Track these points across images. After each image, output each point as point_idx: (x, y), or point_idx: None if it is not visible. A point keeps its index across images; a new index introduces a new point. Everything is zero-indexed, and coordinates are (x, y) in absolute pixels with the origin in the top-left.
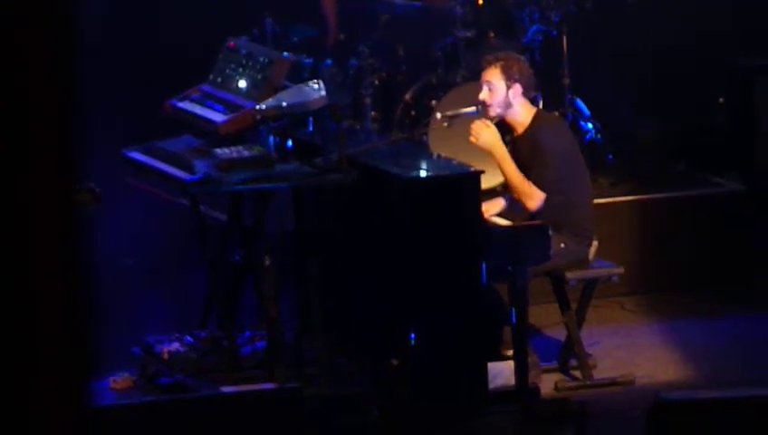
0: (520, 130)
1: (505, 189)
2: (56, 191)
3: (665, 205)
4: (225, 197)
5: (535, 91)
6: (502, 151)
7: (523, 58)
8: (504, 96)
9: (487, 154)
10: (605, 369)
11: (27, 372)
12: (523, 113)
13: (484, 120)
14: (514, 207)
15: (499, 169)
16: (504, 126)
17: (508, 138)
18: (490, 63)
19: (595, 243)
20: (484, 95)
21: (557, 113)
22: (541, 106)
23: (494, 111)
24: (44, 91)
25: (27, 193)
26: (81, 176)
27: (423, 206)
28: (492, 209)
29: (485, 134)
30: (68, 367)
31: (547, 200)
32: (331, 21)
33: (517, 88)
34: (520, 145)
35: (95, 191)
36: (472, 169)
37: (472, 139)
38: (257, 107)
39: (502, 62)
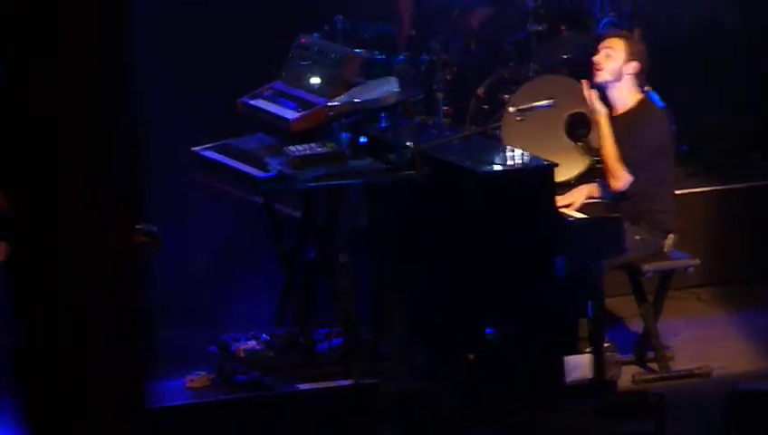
0: (621, 110)
1: (580, 182)
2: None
3: (740, 195)
4: (299, 194)
5: (645, 81)
6: (606, 124)
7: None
8: (620, 66)
9: (564, 145)
10: (682, 360)
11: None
12: (628, 93)
13: (594, 93)
14: (605, 192)
15: (600, 140)
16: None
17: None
18: (618, 35)
19: (672, 235)
20: (599, 58)
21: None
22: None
23: (604, 76)
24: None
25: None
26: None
27: (497, 200)
28: (578, 197)
29: (600, 103)
30: (122, 368)
31: (631, 186)
32: (405, 17)
33: (634, 65)
34: (617, 124)
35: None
36: (546, 162)
37: (586, 98)
38: (329, 104)
39: (628, 39)
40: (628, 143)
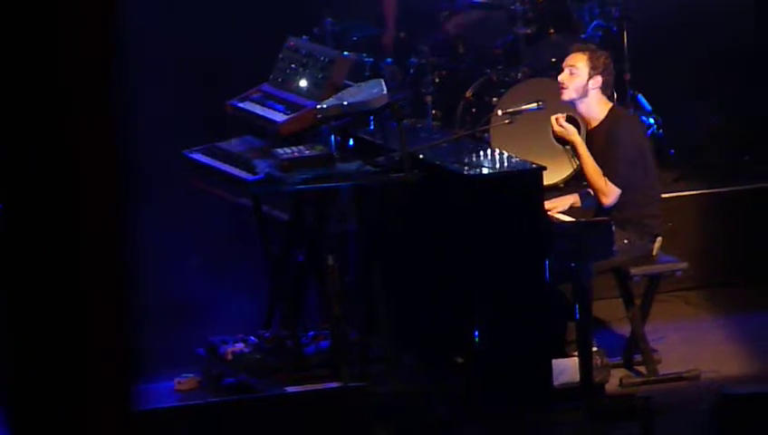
0: (593, 123)
1: (570, 185)
2: (104, 195)
3: (728, 199)
4: (287, 196)
5: (612, 91)
6: (583, 146)
7: (609, 55)
8: (584, 83)
9: (552, 149)
10: (670, 364)
11: (77, 376)
12: (597, 106)
13: (560, 117)
14: (586, 201)
15: (580, 162)
16: (574, 121)
17: (582, 131)
18: (579, 49)
19: (659, 239)
20: (563, 77)
21: (632, 110)
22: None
23: (569, 94)
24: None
25: (76, 197)
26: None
27: (485, 203)
28: (562, 205)
29: (567, 129)
30: (114, 370)
31: (621, 196)
32: (391, 19)
33: (598, 80)
34: (593, 138)
35: None
36: (534, 165)
37: (556, 128)
38: (318, 106)
39: (590, 52)
40: (610, 155)
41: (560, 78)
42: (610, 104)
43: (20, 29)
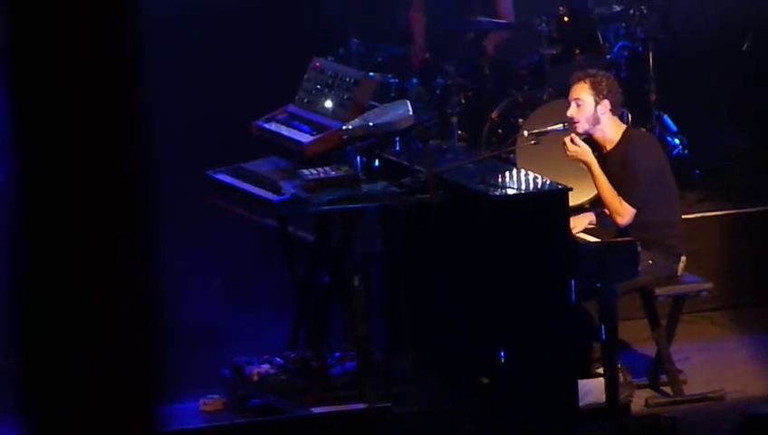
0: (609, 146)
1: (593, 205)
2: (128, 213)
3: (753, 219)
4: (313, 217)
5: (622, 108)
6: (596, 166)
7: (611, 75)
8: (593, 112)
9: (578, 169)
10: (695, 384)
11: (101, 396)
12: (611, 130)
13: (574, 136)
14: (603, 221)
15: (594, 182)
16: (591, 143)
17: (597, 154)
18: (579, 80)
19: (683, 258)
20: (572, 111)
21: (644, 129)
22: (629, 123)
23: (582, 127)
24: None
25: (98, 216)
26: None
27: (511, 224)
28: (579, 225)
29: (576, 149)
30: (137, 392)
31: (636, 216)
32: (418, 40)
33: (605, 104)
34: (609, 162)
35: None
36: (560, 186)
37: (568, 153)
38: (344, 127)
39: (590, 79)
40: (626, 177)
41: (568, 113)
42: (624, 126)
43: (34, 44)
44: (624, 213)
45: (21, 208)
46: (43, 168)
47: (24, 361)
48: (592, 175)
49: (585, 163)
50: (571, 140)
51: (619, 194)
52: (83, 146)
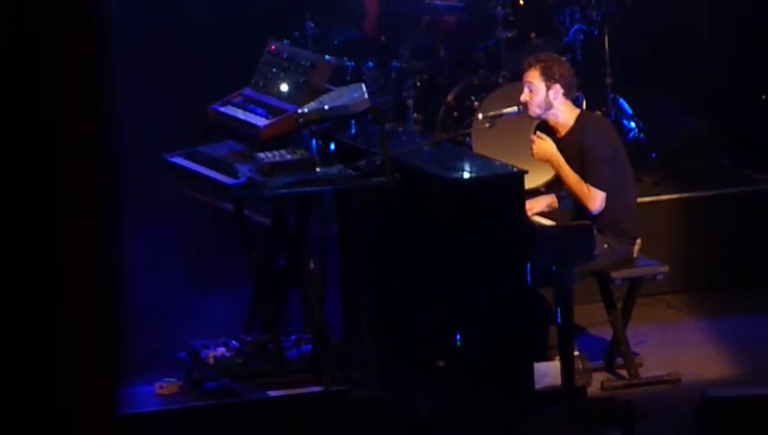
0: (563, 131)
1: (550, 189)
2: (88, 195)
3: (709, 203)
4: (269, 201)
5: (577, 92)
6: (558, 159)
7: (563, 59)
8: (545, 97)
9: (542, 161)
10: (651, 367)
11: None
12: (565, 114)
13: (539, 134)
14: (564, 204)
15: (558, 176)
16: (547, 128)
17: (552, 139)
18: (530, 65)
19: (638, 241)
20: (524, 96)
21: (599, 112)
22: (584, 106)
23: (534, 111)
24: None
25: (60, 198)
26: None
27: (466, 207)
28: (536, 207)
29: (542, 146)
30: (96, 374)
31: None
32: (371, 13)
33: (557, 89)
34: (564, 146)
35: None
36: (515, 169)
37: (534, 153)
38: (299, 110)
39: (542, 63)
40: (587, 162)
41: (521, 98)
42: (578, 110)
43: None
44: (594, 196)
45: None
46: (16, 154)
47: None
48: (557, 168)
49: (550, 161)
50: (536, 138)
51: (585, 181)
52: (54, 135)
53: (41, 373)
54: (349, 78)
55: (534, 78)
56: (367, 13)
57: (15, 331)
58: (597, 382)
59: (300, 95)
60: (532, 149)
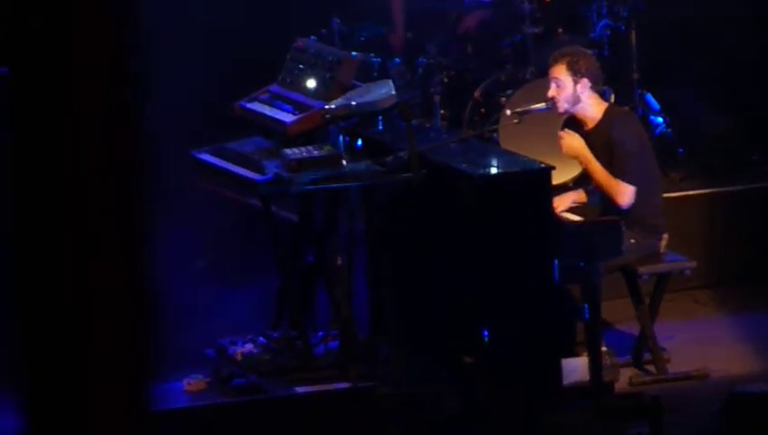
0: (590, 124)
1: (577, 184)
2: (118, 193)
3: (736, 198)
4: (296, 197)
5: (604, 85)
6: (587, 155)
7: (589, 52)
8: (572, 91)
9: (571, 157)
10: (679, 363)
11: (86, 375)
12: (592, 108)
13: (567, 130)
14: (593, 199)
15: (587, 172)
16: (574, 122)
17: (580, 132)
18: (556, 60)
19: (665, 236)
20: (552, 91)
21: (627, 108)
22: (612, 101)
23: (563, 106)
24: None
25: (90, 196)
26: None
27: (494, 203)
28: (563, 204)
29: (570, 142)
30: (127, 370)
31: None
32: (399, 19)
33: (585, 83)
34: (592, 140)
35: None
36: (542, 165)
37: (563, 150)
38: (326, 107)
39: (568, 58)
40: (615, 156)
41: (549, 93)
42: (605, 104)
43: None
44: (623, 190)
45: (17, 187)
46: (41, 154)
47: (17, 343)
48: (586, 164)
49: (580, 157)
50: (565, 136)
51: (614, 175)
52: (81, 134)
53: (72, 371)
54: (375, 74)
55: (561, 73)
56: (395, 22)
57: (47, 329)
58: (625, 378)
59: (326, 91)
60: (560, 145)
